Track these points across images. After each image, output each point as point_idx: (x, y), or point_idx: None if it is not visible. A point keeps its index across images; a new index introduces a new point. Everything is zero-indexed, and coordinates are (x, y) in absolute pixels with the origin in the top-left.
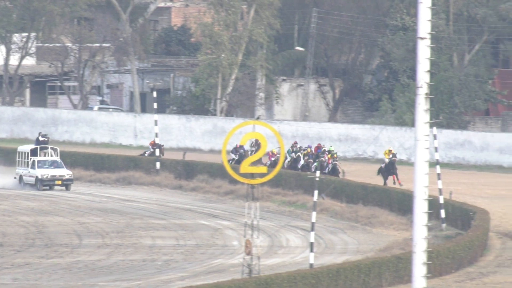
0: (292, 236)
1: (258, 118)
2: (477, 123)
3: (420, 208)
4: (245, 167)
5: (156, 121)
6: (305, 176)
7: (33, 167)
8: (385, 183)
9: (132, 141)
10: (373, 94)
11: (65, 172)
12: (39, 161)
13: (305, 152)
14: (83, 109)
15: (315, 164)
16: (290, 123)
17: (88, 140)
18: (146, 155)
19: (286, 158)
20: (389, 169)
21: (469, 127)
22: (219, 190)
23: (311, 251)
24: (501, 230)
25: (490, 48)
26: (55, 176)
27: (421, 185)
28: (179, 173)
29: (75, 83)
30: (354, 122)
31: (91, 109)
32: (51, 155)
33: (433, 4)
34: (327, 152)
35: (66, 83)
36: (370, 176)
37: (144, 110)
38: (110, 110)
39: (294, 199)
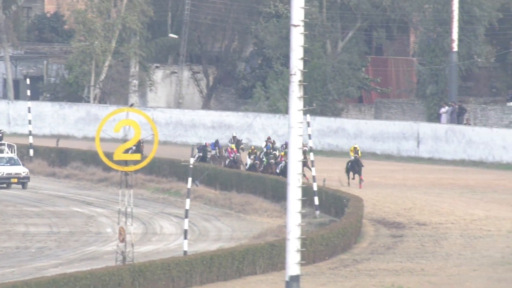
0: (166, 223)
1: (131, 105)
2: (350, 110)
3: (294, 195)
4: (118, 154)
5: (29, 108)
6: (179, 163)
7: None
8: (348, 183)
9: (5, 128)
10: (247, 81)
11: (21, 170)
12: None
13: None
14: None
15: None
16: (164, 110)
17: None
18: None
19: (262, 159)
20: (354, 167)
21: (343, 114)
22: (92, 177)
23: (185, 238)
24: (375, 217)
25: (363, 36)
26: (10, 174)
27: (294, 172)
28: (52, 160)
29: None
30: (227, 109)
31: None
32: (7, 152)
33: None
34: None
35: None
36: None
37: (17, 97)
38: None
39: (168, 186)
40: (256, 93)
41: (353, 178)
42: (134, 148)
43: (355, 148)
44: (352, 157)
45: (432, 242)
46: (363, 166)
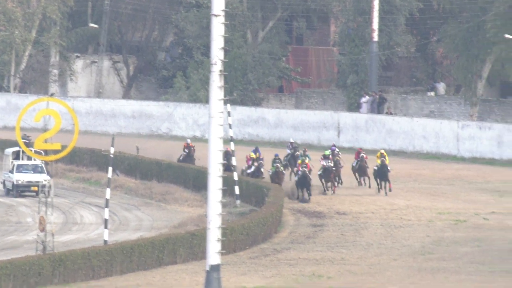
0: (87, 213)
1: (52, 95)
2: (271, 100)
3: (215, 185)
4: (39, 144)
5: None
6: (99, 153)
7: (11, 171)
8: (379, 190)
9: None
10: (167, 71)
11: (43, 178)
12: (18, 165)
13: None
14: None
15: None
16: (84, 100)
17: None
18: None
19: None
20: (380, 174)
21: (263, 104)
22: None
23: (106, 227)
24: (295, 206)
25: (284, 26)
26: (31, 182)
27: (215, 162)
28: None
29: None
30: (148, 99)
31: None
32: (34, 159)
33: None
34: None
35: None
36: (164, 153)
37: None
38: None
39: (89, 175)
40: (176, 83)
41: (380, 186)
42: (186, 152)
43: (381, 153)
44: (379, 164)
45: (352, 232)
46: (389, 171)
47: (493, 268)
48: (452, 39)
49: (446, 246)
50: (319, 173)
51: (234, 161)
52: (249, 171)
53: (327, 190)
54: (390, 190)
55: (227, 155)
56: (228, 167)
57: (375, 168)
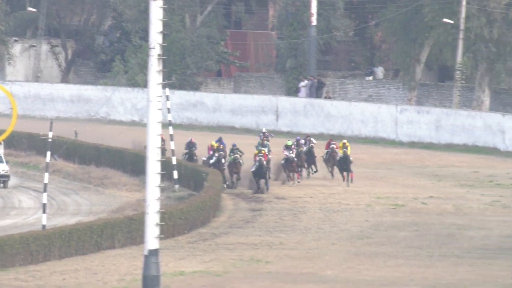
0: (25, 197)
1: None
2: (209, 84)
3: (153, 169)
4: None
5: None
6: (38, 137)
7: None
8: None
9: None
10: (106, 55)
11: (1, 168)
12: None
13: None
14: None
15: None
16: (22, 84)
17: None
18: None
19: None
20: (342, 164)
21: (202, 88)
22: None
23: (44, 212)
24: (234, 191)
25: (222, 10)
26: None
27: (153, 146)
28: None
29: None
30: (86, 83)
31: None
32: None
33: None
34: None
35: None
36: (102, 138)
37: None
38: None
39: (27, 160)
40: (115, 67)
41: (342, 176)
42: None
43: (344, 144)
44: (341, 154)
45: (291, 216)
46: (351, 162)
47: (431, 253)
48: (391, 23)
49: (385, 230)
50: (281, 162)
51: (172, 145)
52: (211, 161)
53: (290, 180)
54: (351, 181)
55: (190, 145)
56: (191, 156)
57: (338, 158)
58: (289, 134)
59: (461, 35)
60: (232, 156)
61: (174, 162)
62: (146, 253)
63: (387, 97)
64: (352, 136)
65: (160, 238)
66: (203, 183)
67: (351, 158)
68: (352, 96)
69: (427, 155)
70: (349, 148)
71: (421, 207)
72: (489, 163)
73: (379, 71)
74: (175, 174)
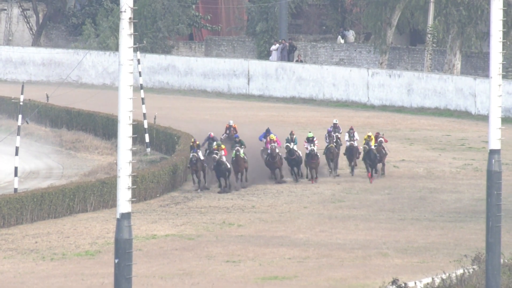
0: None
1: None
2: (181, 47)
3: (125, 133)
4: None
5: None
6: (9, 100)
7: None
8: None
9: None
10: (77, 19)
11: None
12: None
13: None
14: None
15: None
16: None
17: None
18: None
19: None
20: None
21: (173, 52)
22: None
23: (16, 175)
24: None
25: None
26: None
27: (125, 110)
28: None
29: None
30: (58, 47)
31: None
32: None
33: None
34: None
35: None
36: (73, 101)
37: None
38: None
39: None
40: (86, 30)
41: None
42: (227, 134)
43: (369, 136)
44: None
45: (262, 179)
46: (377, 156)
47: (403, 216)
48: None
49: (357, 193)
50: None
51: (144, 109)
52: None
53: (310, 178)
54: (383, 173)
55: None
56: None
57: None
58: (260, 97)
59: None
60: (235, 150)
61: (145, 125)
62: (118, 216)
63: (359, 60)
64: (323, 99)
65: (132, 202)
66: (175, 147)
67: (385, 150)
68: (324, 60)
69: (398, 118)
70: (373, 141)
71: (393, 170)
72: (461, 126)
73: (350, 34)
74: (147, 138)
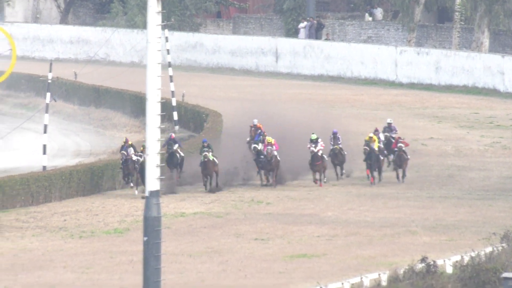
0: (25, 139)
1: None
2: (208, 25)
3: (153, 111)
4: None
5: None
6: (37, 78)
7: None
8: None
9: None
10: None
11: None
12: None
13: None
14: None
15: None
16: (21, 25)
17: None
18: None
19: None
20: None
21: (201, 30)
22: None
23: (44, 153)
24: (233, 131)
25: None
26: None
27: (153, 88)
28: None
29: None
30: (85, 25)
31: None
32: None
33: None
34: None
35: None
36: (102, 79)
37: None
38: None
39: (26, 101)
40: (113, 8)
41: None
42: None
43: (370, 137)
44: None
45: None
46: (381, 158)
47: (432, 194)
48: None
49: (385, 171)
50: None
51: (172, 87)
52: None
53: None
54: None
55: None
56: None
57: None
58: (288, 75)
59: None
60: (203, 154)
61: (173, 103)
62: (147, 194)
63: (387, 38)
64: (351, 77)
65: (161, 180)
66: (203, 124)
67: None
68: (351, 38)
69: (426, 96)
70: (375, 142)
71: (421, 148)
72: (489, 104)
73: (378, 12)
74: (175, 115)
